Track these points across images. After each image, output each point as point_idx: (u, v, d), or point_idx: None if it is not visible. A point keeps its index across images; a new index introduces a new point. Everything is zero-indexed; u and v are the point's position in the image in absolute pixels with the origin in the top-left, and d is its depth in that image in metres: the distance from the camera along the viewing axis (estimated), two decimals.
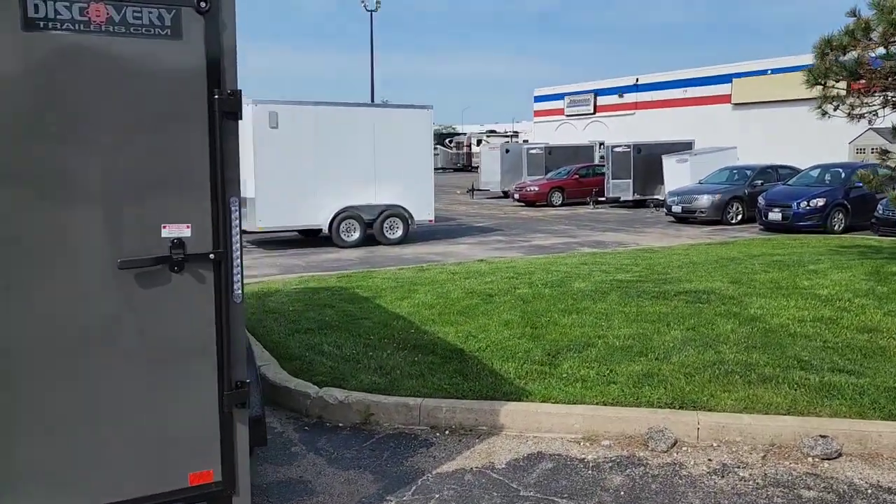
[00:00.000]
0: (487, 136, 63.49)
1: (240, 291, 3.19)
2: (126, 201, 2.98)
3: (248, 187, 14.66)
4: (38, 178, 2.84)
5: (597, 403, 5.07)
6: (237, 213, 3.15)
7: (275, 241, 16.38)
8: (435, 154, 62.29)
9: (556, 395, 5.19)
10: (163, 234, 3.04)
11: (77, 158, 2.89)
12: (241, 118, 3.12)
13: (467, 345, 6.42)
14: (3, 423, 2.87)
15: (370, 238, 15.56)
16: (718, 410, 4.89)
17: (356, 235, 15.48)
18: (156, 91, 2.99)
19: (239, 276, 3.19)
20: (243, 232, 13.81)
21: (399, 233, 15.94)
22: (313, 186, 15.00)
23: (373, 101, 36.98)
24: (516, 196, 28.24)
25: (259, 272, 11.98)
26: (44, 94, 2.82)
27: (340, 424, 5.14)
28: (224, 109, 3.06)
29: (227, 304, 3.16)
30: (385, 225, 15.75)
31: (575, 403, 5.07)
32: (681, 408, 4.94)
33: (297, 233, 16.53)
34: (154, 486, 3.14)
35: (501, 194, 32.17)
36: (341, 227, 15.37)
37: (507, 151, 33.13)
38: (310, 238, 16.61)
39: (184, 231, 3.08)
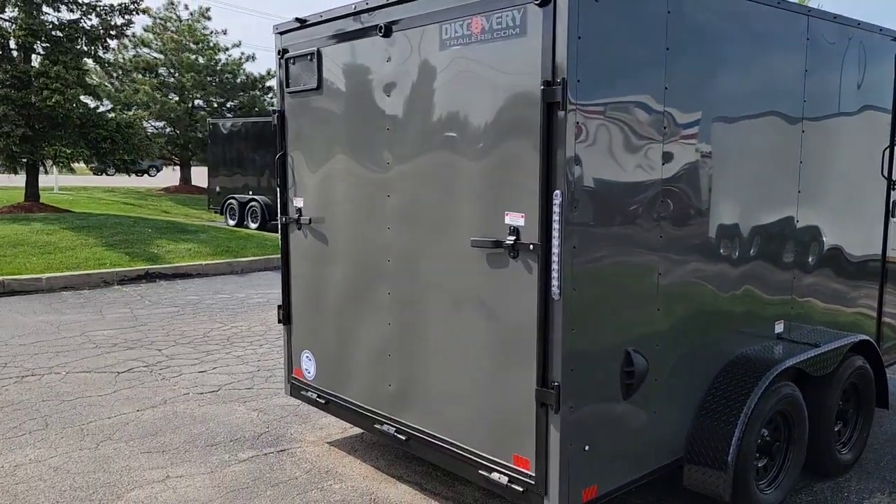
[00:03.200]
0: None
1: (557, 289, 3.06)
2: (487, 189, 3.35)
3: None
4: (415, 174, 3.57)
5: None
6: (560, 207, 3.03)
7: None
8: None
9: None
10: (505, 221, 3.26)
11: (454, 158, 3.46)
12: (563, 108, 2.95)
13: None
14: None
15: None
16: None
17: None
18: (507, 89, 3.21)
19: (557, 272, 3.06)
20: None
21: None
22: None
23: None
24: None
25: None
26: (445, 104, 3.50)
27: None
28: (549, 100, 3.00)
29: (546, 298, 3.11)
30: None
31: None
32: None
33: None
34: (484, 447, 3.45)
35: None
36: None
37: None
38: None
39: (519, 220, 3.21)
